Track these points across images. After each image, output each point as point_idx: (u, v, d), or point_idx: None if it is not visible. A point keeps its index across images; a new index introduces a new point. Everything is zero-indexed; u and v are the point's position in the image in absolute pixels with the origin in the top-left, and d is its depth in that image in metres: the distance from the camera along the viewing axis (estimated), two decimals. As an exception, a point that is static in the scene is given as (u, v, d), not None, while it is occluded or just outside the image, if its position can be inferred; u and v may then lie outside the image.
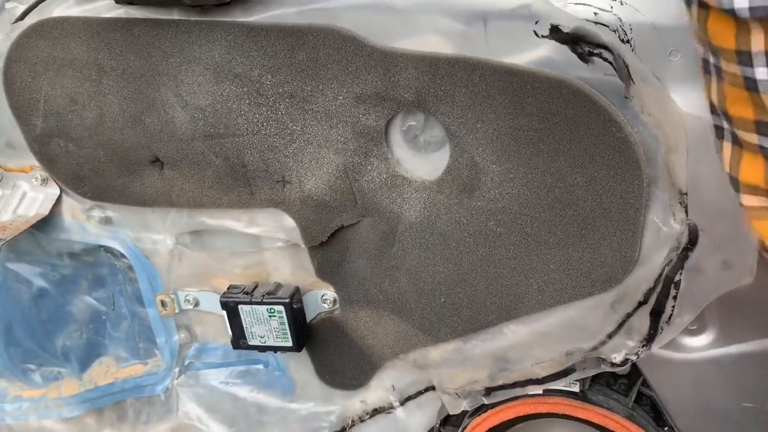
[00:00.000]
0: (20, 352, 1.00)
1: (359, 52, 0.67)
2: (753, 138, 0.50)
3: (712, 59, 0.51)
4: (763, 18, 0.45)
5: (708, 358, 0.74)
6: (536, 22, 0.61)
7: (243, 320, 0.83)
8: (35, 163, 0.86)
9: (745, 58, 0.47)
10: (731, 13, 0.46)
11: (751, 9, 0.45)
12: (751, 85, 0.47)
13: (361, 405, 0.89)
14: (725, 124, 0.53)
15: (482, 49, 0.65)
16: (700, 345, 0.74)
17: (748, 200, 0.53)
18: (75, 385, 0.98)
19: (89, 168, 0.82)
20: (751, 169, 0.52)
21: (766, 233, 0.53)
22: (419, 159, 0.72)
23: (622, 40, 0.63)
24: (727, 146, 0.53)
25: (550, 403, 0.77)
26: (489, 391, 0.80)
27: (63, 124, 0.80)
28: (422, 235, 0.74)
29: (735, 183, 0.54)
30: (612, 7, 0.63)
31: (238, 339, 0.84)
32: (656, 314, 0.69)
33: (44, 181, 0.88)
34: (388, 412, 0.88)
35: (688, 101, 0.63)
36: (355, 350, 0.86)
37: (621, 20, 0.63)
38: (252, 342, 0.84)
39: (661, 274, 0.67)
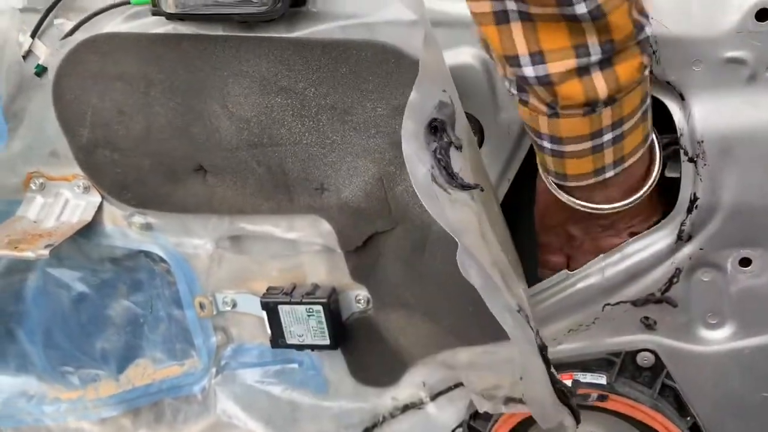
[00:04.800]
0: (59, 355, 1.03)
1: (400, 65, 0.71)
2: None
3: None
4: None
5: (728, 350, 0.78)
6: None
7: (282, 320, 0.87)
8: (78, 171, 0.89)
9: None
10: None
11: None
12: None
13: (392, 401, 0.93)
14: None
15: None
16: (719, 338, 0.78)
17: (474, 6, 0.58)
18: (113, 386, 1.02)
19: (133, 177, 0.86)
20: None
21: (491, 35, 0.59)
22: None
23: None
24: None
25: (578, 395, 0.81)
26: (508, 401, 0.83)
27: (110, 135, 0.84)
28: (449, 247, 0.78)
29: None
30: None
31: (277, 338, 0.88)
32: None
33: (86, 189, 0.91)
34: (419, 408, 0.92)
35: (710, 109, 0.68)
36: (387, 349, 0.89)
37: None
38: (291, 341, 0.88)
39: None
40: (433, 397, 0.91)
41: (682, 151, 0.71)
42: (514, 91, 0.63)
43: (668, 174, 0.76)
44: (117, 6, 0.79)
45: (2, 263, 0.99)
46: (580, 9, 0.54)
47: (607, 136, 0.63)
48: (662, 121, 0.72)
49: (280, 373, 0.95)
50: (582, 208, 0.71)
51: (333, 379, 0.94)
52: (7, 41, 0.83)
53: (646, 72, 0.62)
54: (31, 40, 0.83)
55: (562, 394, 0.72)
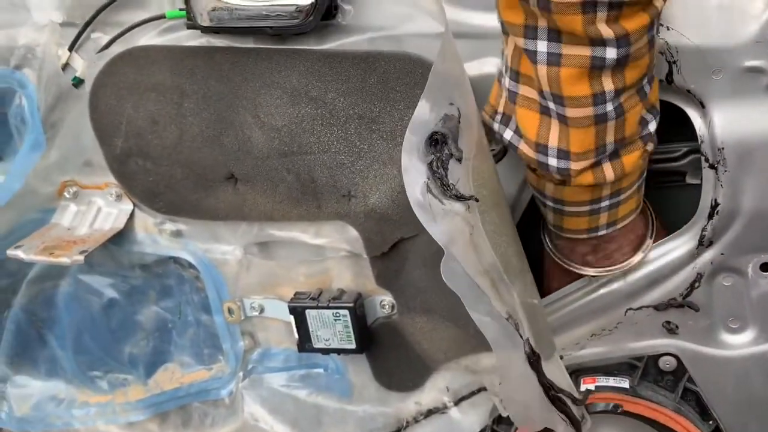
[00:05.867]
0: (88, 360, 1.05)
1: (426, 75, 0.73)
2: (521, 42, 0.60)
3: None
4: None
5: (749, 354, 0.79)
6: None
7: (309, 324, 0.88)
8: (110, 180, 0.92)
9: None
10: None
11: None
12: None
13: (415, 406, 0.94)
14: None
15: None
16: (741, 342, 0.79)
17: (523, 90, 0.65)
18: (141, 390, 1.04)
19: (165, 184, 0.89)
20: (527, 65, 0.62)
21: (522, 118, 0.66)
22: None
23: (669, 62, 0.69)
24: (511, 45, 0.64)
25: (602, 398, 0.82)
26: None
27: (143, 144, 0.86)
28: None
29: (515, 74, 0.65)
30: (659, 32, 0.69)
31: (304, 342, 0.90)
32: None
33: (118, 197, 0.94)
34: (443, 413, 0.94)
35: (730, 116, 0.70)
36: (411, 354, 0.91)
37: (668, 44, 0.69)
38: (317, 345, 0.90)
39: None
40: (457, 402, 0.93)
41: (702, 158, 0.72)
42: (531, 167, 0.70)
43: (689, 181, 0.78)
44: (152, 20, 0.82)
45: (35, 270, 1.02)
46: (609, 107, 0.61)
47: (605, 203, 0.70)
48: (683, 129, 0.74)
49: (305, 378, 0.97)
50: (574, 270, 0.79)
51: (357, 384, 0.95)
52: (47, 54, 0.86)
53: (647, 156, 0.68)
54: (69, 53, 0.86)
55: (558, 401, 0.74)
